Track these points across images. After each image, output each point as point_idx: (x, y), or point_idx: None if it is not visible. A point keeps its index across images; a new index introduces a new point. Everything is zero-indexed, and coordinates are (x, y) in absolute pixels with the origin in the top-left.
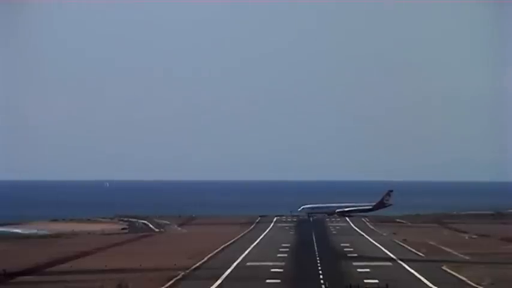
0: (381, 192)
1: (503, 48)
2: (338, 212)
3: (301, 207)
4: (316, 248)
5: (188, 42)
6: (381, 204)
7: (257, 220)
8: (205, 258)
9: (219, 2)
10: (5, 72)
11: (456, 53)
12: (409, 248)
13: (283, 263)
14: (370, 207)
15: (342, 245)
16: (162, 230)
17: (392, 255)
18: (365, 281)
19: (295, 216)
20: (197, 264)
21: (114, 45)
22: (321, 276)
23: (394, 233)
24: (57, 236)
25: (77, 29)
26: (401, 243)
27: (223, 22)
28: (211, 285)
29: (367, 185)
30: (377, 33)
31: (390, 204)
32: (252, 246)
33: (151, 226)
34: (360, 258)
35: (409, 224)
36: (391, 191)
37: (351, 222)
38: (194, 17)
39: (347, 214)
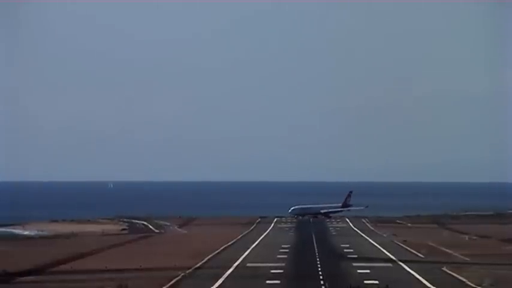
0: (376, 193)
1: (503, 49)
2: (322, 212)
3: (292, 208)
4: (316, 249)
5: (185, 38)
6: (345, 205)
7: (257, 221)
8: (206, 259)
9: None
10: (5, 72)
11: (455, 53)
12: (409, 249)
13: (283, 264)
14: (340, 208)
15: (341, 245)
16: (162, 231)
17: (392, 256)
18: (365, 281)
19: (295, 217)
20: (197, 265)
21: (115, 43)
22: (321, 277)
23: (394, 234)
24: (57, 236)
25: (79, 29)
26: (402, 244)
27: (214, 22)
28: (212, 286)
29: (365, 186)
30: (376, 32)
31: (351, 205)
32: (252, 247)
33: (151, 227)
34: (360, 259)
35: (409, 224)
36: (351, 191)
37: (350, 223)
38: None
39: (328, 215)
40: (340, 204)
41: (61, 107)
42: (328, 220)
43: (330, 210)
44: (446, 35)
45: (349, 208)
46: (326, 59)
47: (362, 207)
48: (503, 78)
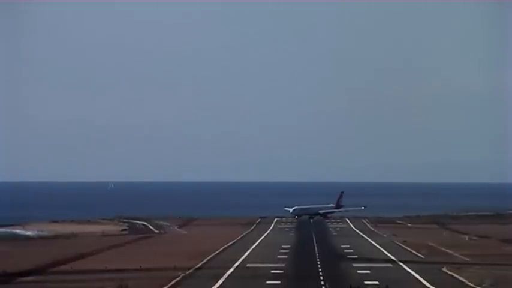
0: (376, 193)
1: (503, 49)
2: (321, 213)
3: (293, 208)
4: (316, 250)
5: (186, 39)
6: (337, 205)
7: (257, 221)
8: (206, 260)
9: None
10: (5, 72)
11: (456, 53)
12: (409, 249)
13: (283, 265)
14: (333, 208)
15: (342, 246)
16: (162, 231)
17: (392, 257)
18: (365, 282)
19: (295, 217)
20: (197, 265)
21: (116, 43)
22: (321, 278)
23: (395, 234)
24: (57, 237)
25: (78, 28)
26: (402, 245)
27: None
28: (212, 286)
29: (364, 186)
30: (376, 32)
31: (343, 205)
32: (253, 247)
33: (151, 227)
34: (360, 259)
35: (409, 225)
36: (343, 192)
37: (350, 224)
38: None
39: (326, 215)
40: (333, 205)
41: (61, 108)
42: (328, 220)
43: (328, 210)
44: (447, 35)
45: (346, 209)
46: (326, 59)
47: (360, 208)
48: (503, 78)
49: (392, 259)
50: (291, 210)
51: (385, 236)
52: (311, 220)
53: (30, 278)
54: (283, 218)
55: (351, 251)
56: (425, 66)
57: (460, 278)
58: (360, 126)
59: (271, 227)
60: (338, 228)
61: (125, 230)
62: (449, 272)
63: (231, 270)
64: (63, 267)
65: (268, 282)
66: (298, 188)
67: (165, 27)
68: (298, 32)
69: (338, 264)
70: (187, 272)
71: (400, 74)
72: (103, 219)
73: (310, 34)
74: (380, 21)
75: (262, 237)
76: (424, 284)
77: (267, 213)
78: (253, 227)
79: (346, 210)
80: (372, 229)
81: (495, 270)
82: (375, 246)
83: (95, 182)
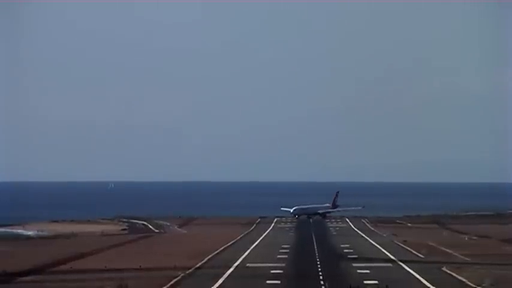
0: (376, 193)
1: (503, 49)
2: (320, 213)
3: (293, 208)
4: (316, 249)
5: (188, 42)
6: (334, 205)
7: (257, 221)
8: (206, 259)
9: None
10: (5, 72)
11: (456, 53)
12: (409, 249)
13: (283, 264)
14: (330, 208)
15: (341, 246)
16: (161, 231)
17: (392, 256)
18: (365, 282)
19: (295, 217)
20: (197, 265)
21: (115, 44)
22: (321, 277)
23: (394, 234)
24: (57, 236)
25: (79, 28)
26: (402, 244)
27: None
28: (212, 286)
29: (365, 186)
30: (375, 32)
31: (338, 205)
32: (252, 247)
33: (151, 227)
34: (359, 259)
35: (409, 224)
36: (338, 192)
37: (350, 223)
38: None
39: (325, 215)
40: (329, 205)
41: (61, 108)
42: (327, 220)
43: (326, 210)
44: (446, 35)
45: (344, 208)
46: (325, 59)
47: (359, 207)
48: (503, 78)
49: (392, 259)
50: (290, 210)
51: (385, 235)
52: (311, 220)
53: (30, 278)
54: (283, 218)
55: (351, 250)
56: (425, 65)
57: (460, 277)
58: (360, 126)
59: (271, 227)
60: (338, 228)
61: (124, 229)
62: (449, 272)
63: (231, 270)
64: (63, 267)
65: (268, 282)
66: (297, 188)
67: (165, 27)
68: (298, 31)
69: (338, 264)
70: (187, 272)
71: (399, 74)
72: (103, 219)
73: (310, 33)
74: (380, 21)
75: (262, 237)
76: (424, 284)
77: (267, 213)
78: (253, 226)
79: (344, 210)
80: (372, 229)
81: (495, 270)
82: (375, 246)
83: (95, 182)
